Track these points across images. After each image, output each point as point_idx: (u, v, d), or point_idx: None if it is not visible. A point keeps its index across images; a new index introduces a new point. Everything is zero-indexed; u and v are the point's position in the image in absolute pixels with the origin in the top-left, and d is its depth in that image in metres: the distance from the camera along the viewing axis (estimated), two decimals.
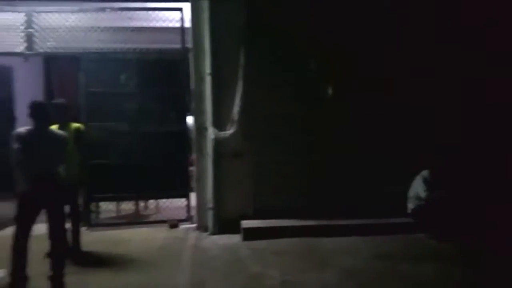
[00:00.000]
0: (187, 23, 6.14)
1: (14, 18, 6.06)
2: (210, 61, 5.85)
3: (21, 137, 3.75)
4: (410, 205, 5.62)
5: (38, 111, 3.86)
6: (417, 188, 5.60)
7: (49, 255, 3.87)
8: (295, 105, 5.87)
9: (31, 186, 3.70)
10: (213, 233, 5.75)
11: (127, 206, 6.96)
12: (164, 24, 6.28)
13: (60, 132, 4.13)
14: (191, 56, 6.07)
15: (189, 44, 6.09)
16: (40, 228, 3.80)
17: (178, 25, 6.23)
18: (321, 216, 5.66)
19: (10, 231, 5.20)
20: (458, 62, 5.93)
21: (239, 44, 5.78)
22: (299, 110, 5.88)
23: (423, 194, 5.51)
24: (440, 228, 5.26)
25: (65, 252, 4.06)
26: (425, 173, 5.65)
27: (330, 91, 5.97)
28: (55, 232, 3.83)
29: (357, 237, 5.32)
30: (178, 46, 6.23)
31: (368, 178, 5.88)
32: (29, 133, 3.78)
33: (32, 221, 3.75)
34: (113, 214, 6.79)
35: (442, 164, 5.66)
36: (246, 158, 5.86)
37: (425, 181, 5.58)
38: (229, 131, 5.83)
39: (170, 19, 6.28)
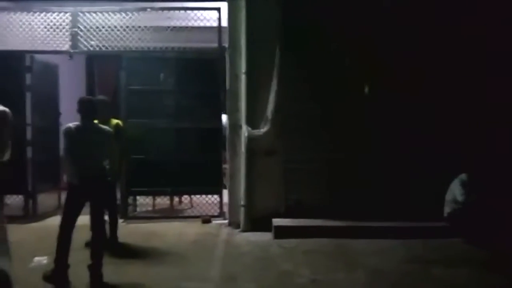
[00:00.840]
0: (224, 23, 6.24)
1: (60, 18, 6.40)
2: (245, 60, 5.92)
3: (70, 132, 3.93)
4: (447, 209, 5.48)
5: (86, 107, 4.02)
6: (455, 191, 5.46)
7: (90, 245, 4.05)
8: (329, 104, 5.86)
9: (79, 179, 3.86)
10: (245, 230, 5.83)
11: (162, 201, 7.17)
12: (202, 24, 6.40)
13: (106, 127, 4.28)
14: (227, 55, 6.17)
15: (226, 43, 6.20)
16: (81, 219, 3.97)
17: (215, 24, 6.35)
18: (353, 216, 5.60)
19: (52, 220, 5.50)
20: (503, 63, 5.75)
21: (274, 44, 5.82)
22: (333, 110, 5.86)
23: (460, 198, 5.36)
24: (477, 233, 5.12)
25: (103, 243, 4.22)
26: (463, 176, 5.49)
27: (366, 90, 5.90)
28: (97, 224, 4.00)
29: (389, 240, 5.24)
30: (215, 45, 6.34)
31: (402, 179, 5.77)
32: (77, 129, 3.96)
33: (78, 212, 3.92)
34: (149, 208, 7.01)
35: (481, 167, 5.49)
36: (278, 156, 5.90)
37: (463, 184, 5.43)
38: (263, 130, 5.88)
39: (208, 18, 6.41)
